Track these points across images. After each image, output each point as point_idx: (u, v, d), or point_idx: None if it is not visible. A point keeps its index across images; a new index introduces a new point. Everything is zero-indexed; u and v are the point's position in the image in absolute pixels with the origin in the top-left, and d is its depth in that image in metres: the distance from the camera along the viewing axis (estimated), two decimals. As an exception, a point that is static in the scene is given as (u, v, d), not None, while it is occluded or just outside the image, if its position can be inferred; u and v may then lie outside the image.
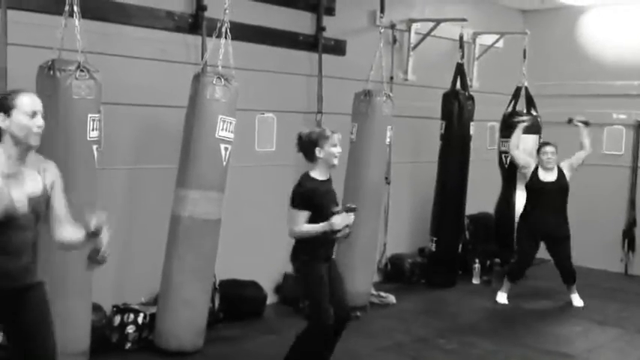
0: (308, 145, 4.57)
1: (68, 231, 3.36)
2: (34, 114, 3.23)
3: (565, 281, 7.11)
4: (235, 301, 5.97)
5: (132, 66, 5.46)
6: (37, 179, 3.26)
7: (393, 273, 7.66)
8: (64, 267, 4.47)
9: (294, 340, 4.56)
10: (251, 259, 6.33)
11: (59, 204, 3.37)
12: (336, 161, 4.58)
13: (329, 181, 4.65)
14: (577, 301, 7.09)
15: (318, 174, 4.57)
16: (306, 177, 4.56)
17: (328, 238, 4.51)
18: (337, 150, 4.55)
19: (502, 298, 7.10)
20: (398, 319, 6.34)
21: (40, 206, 3.27)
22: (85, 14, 4.65)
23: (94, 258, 3.36)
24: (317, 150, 4.53)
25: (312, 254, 4.51)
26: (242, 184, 6.04)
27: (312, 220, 4.46)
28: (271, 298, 6.53)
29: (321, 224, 4.40)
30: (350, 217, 4.44)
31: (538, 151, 7.06)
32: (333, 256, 4.74)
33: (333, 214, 4.41)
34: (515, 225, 7.59)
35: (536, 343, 5.87)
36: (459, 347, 5.66)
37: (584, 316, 6.71)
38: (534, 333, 6.16)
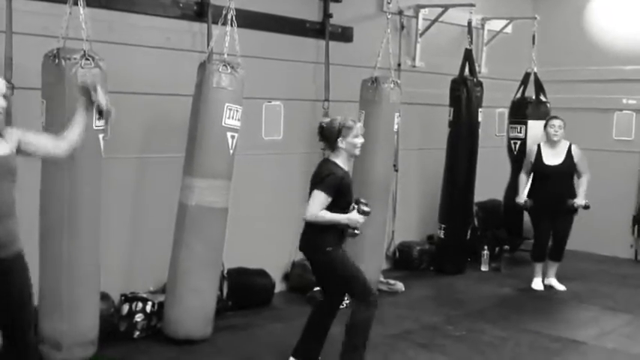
0: (330, 135, 4.55)
1: (63, 140, 3.73)
2: None
3: (550, 256, 7.09)
4: (244, 290, 5.97)
5: (137, 54, 5.44)
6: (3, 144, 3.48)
7: (402, 260, 7.64)
8: (72, 256, 4.48)
9: (346, 332, 4.49)
10: (258, 247, 6.32)
11: (35, 137, 3.69)
12: (358, 152, 4.59)
13: (348, 172, 4.64)
14: (557, 284, 7.09)
15: (340, 161, 4.56)
16: (334, 164, 4.52)
17: (341, 229, 4.51)
18: (360, 141, 4.56)
19: (536, 284, 7.09)
20: (407, 307, 6.32)
21: (10, 164, 3.48)
22: (91, 2, 4.64)
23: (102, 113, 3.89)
24: (339, 140, 4.52)
25: (334, 244, 4.50)
26: (249, 172, 6.02)
27: (328, 208, 4.44)
28: (279, 286, 6.52)
29: (343, 216, 4.42)
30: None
31: (545, 125, 7.00)
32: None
33: (359, 203, 4.45)
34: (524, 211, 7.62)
35: (545, 329, 5.84)
36: (468, 334, 5.63)
37: (595, 302, 6.68)
38: (544, 319, 6.14)
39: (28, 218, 4.62)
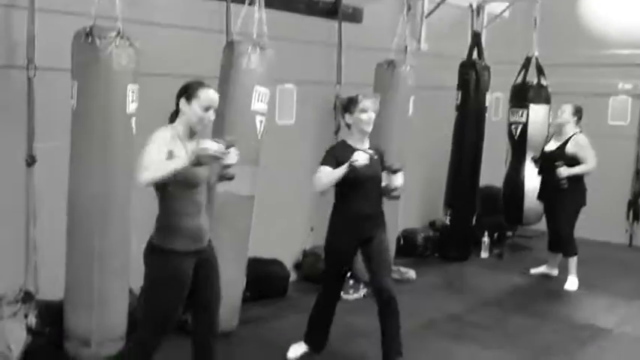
0: (341, 112, 4.51)
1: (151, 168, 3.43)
2: None
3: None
4: (261, 280, 5.77)
5: (154, 33, 5.14)
6: None
7: (406, 247, 7.50)
8: (104, 250, 4.23)
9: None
10: (269, 235, 6.10)
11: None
12: (366, 127, 4.42)
13: (367, 149, 4.42)
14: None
15: (352, 141, 4.44)
16: (341, 143, 4.48)
17: (359, 213, 4.39)
18: (366, 115, 4.39)
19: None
20: (424, 295, 6.23)
21: None
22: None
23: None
24: (347, 116, 4.43)
25: (340, 230, 4.42)
26: (261, 158, 5.80)
27: (341, 189, 4.35)
28: (291, 276, 6.34)
29: (342, 167, 4.23)
30: (398, 178, 4.40)
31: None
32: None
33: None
34: (525, 197, 7.59)
35: (568, 317, 5.83)
36: (494, 323, 5.56)
37: (603, 289, 6.68)
38: (562, 307, 6.13)
39: (53, 211, 4.41)
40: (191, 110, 3.47)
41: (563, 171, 6.48)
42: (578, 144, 6.61)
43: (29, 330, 4.34)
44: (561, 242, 6.75)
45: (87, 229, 4.23)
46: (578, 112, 6.69)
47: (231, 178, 3.81)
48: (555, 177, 6.54)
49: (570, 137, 6.64)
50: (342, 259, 4.57)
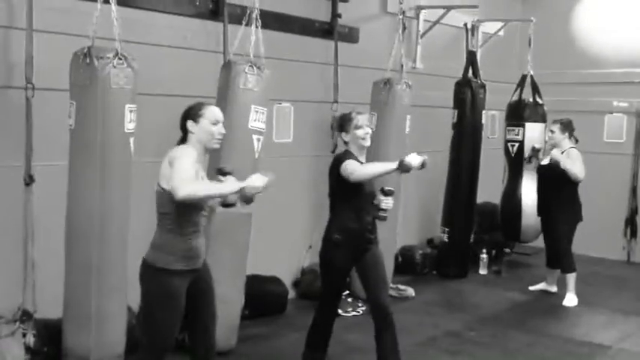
0: (337, 131, 4.59)
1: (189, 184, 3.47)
2: None
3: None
4: (259, 298, 5.77)
5: (152, 53, 5.19)
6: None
7: (404, 265, 7.49)
8: (102, 265, 4.24)
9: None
10: (267, 252, 6.11)
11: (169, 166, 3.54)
12: (364, 142, 4.47)
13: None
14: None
15: (356, 154, 4.48)
16: (347, 151, 4.49)
17: (355, 228, 4.42)
18: (363, 131, 4.44)
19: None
20: (423, 313, 6.23)
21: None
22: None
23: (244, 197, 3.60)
24: (343, 134, 4.50)
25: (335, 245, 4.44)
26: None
27: (345, 198, 4.40)
28: (290, 293, 6.34)
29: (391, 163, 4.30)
30: (389, 201, 4.42)
31: None
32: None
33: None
34: (522, 214, 7.64)
35: (566, 332, 5.84)
36: (493, 340, 5.56)
37: (603, 305, 6.69)
38: (560, 322, 6.14)
39: (52, 224, 4.42)
40: (201, 129, 3.54)
41: (555, 152, 6.54)
42: (570, 156, 6.60)
43: (28, 349, 4.34)
44: (559, 258, 6.75)
45: (85, 248, 4.23)
46: (567, 128, 6.70)
47: (233, 205, 3.83)
48: (548, 195, 6.64)
49: (564, 152, 6.65)
50: (338, 274, 4.58)
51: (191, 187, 3.28)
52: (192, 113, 3.58)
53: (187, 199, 3.30)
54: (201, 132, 3.54)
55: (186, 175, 3.29)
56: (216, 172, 3.64)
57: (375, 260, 4.51)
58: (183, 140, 3.60)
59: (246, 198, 3.64)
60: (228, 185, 3.46)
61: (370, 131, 4.48)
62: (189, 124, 3.55)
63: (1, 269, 4.54)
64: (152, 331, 3.61)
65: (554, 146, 6.70)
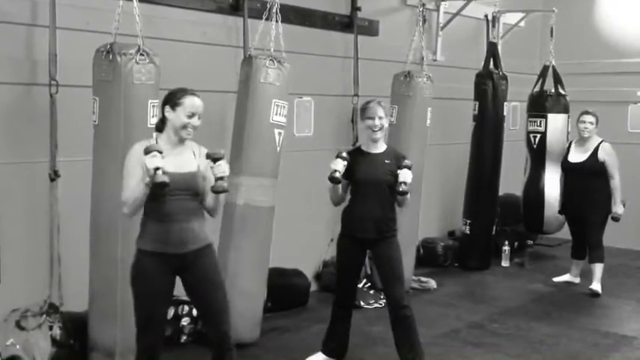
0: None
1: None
2: None
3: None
4: (282, 291, 5.81)
5: (175, 50, 5.23)
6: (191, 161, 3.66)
7: (426, 257, 7.50)
8: (128, 258, 4.28)
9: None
10: (290, 246, 6.14)
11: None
12: (373, 135, 4.49)
13: (379, 154, 4.53)
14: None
15: (365, 146, 4.58)
16: (357, 147, 4.63)
17: (360, 215, 4.47)
18: (371, 122, 4.48)
19: (564, 277, 7.02)
20: (445, 305, 6.23)
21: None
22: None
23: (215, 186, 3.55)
24: (359, 123, 4.63)
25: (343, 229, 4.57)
26: (280, 170, 5.86)
27: (349, 192, 4.53)
28: (312, 286, 6.37)
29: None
30: (405, 174, 4.38)
31: (577, 120, 6.82)
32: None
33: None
34: (545, 206, 7.60)
35: (591, 324, 5.80)
36: (516, 331, 5.55)
37: (628, 296, 6.65)
38: (585, 314, 6.10)
39: (77, 218, 4.49)
40: (176, 117, 3.56)
41: (617, 209, 6.59)
42: (606, 153, 6.61)
43: (54, 342, 4.40)
44: (590, 248, 6.74)
45: (109, 242, 4.29)
46: (598, 121, 6.71)
47: (224, 191, 3.62)
48: (585, 191, 6.61)
49: (598, 146, 6.64)
50: (347, 261, 4.61)
51: (123, 198, 3.52)
52: (171, 99, 3.59)
53: (130, 208, 3.52)
54: (175, 120, 3.57)
55: (124, 197, 3.51)
56: (206, 157, 3.60)
57: (388, 254, 4.52)
58: (161, 122, 3.64)
59: (216, 188, 3.58)
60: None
61: (380, 123, 4.47)
62: (166, 109, 3.59)
63: (28, 263, 4.62)
64: (134, 305, 3.67)
65: (586, 139, 6.68)
